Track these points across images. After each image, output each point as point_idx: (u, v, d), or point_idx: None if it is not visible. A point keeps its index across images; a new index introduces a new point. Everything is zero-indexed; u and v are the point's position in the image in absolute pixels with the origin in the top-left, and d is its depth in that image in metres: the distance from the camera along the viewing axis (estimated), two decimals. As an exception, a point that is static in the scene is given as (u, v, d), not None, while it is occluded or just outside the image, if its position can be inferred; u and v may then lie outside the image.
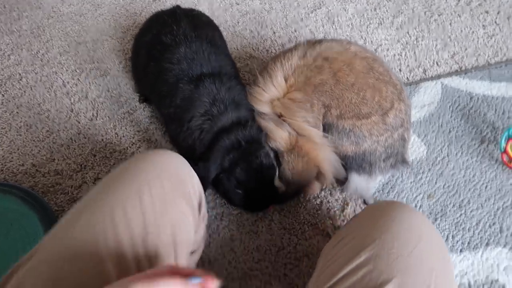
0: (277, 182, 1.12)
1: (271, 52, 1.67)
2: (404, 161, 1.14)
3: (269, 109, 1.10)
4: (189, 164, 0.85)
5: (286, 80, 1.09)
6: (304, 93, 1.07)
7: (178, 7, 1.28)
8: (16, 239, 1.06)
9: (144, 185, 0.74)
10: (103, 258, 0.63)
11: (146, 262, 0.67)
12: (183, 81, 1.07)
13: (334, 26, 1.81)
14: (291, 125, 1.08)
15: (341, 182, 1.11)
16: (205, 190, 1.03)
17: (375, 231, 0.73)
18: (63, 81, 1.51)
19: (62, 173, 1.23)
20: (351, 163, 1.11)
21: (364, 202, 1.18)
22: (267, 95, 1.09)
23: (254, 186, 1.04)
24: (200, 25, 1.21)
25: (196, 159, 1.05)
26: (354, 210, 1.17)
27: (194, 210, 0.81)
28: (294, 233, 1.11)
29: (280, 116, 1.09)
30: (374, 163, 1.10)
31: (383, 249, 0.69)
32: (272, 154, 1.10)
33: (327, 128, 1.09)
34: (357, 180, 1.13)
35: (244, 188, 1.03)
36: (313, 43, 1.13)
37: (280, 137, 1.09)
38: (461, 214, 1.16)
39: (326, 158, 1.08)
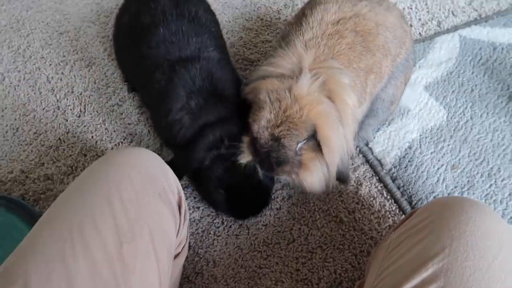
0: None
1: (266, 20, 1.52)
2: None
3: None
4: (161, 159, 0.78)
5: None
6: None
7: None
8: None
9: (113, 189, 0.67)
10: (74, 282, 0.55)
11: (124, 278, 0.60)
12: (158, 70, 0.96)
13: (334, -16, 1.63)
14: (328, 80, 0.83)
15: (341, 180, 0.95)
16: (180, 177, 0.95)
17: (444, 237, 0.60)
18: (47, 77, 1.41)
19: (53, 177, 1.15)
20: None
21: (376, 174, 1.06)
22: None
23: (239, 185, 0.93)
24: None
25: (177, 150, 1.00)
26: (369, 191, 1.05)
27: (172, 208, 0.74)
28: (305, 222, 1.02)
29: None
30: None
31: (456, 260, 0.57)
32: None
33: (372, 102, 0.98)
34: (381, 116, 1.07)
35: (227, 187, 0.93)
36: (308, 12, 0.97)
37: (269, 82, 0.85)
38: (491, 185, 1.03)
39: (341, 144, 0.85)
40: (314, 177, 0.86)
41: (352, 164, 1.09)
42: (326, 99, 0.83)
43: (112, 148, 1.20)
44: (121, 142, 1.21)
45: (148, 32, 1.01)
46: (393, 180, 1.05)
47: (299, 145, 0.83)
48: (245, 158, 0.90)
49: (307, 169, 0.86)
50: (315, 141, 0.84)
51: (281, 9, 1.57)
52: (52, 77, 1.41)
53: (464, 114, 1.16)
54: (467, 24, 1.41)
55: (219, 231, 1.02)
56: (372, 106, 1.00)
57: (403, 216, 1.00)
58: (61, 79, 1.40)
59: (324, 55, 0.87)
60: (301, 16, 0.97)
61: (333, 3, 0.94)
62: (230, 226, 1.02)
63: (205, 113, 0.92)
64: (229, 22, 1.54)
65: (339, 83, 0.84)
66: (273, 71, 0.89)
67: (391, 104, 1.04)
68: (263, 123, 0.82)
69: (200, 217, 1.04)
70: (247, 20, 1.54)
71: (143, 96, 1.16)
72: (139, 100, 1.30)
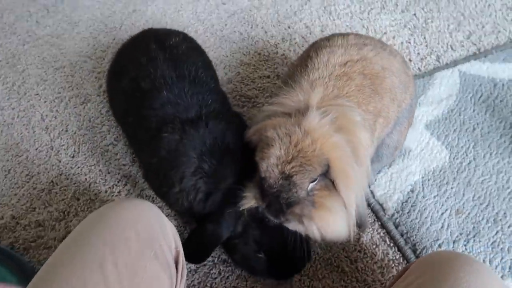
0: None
1: (263, 55, 1.51)
2: None
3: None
4: (158, 210, 0.75)
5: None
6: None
7: (150, 34, 1.14)
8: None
9: (107, 253, 0.64)
10: None
11: None
12: (167, 129, 0.92)
13: (331, 17, 1.63)
14: (339, 116, 0.79)
15: (359, 224, 0.91)
16: (211, 251, 0.90)
17: None
18: (42, 115, 1.39)
19: (44, 223, 1.11)
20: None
21: (378, 219, 1.03)
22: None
23: (280, 247, 0.88)
24: (180, 59, 1.05)
25: (198, 220, 0.93)
26: (372, 237, 1.02)
27: (169, 268, 0.72)
28: (305, 272, 0.98)
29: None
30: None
31: None
32: None
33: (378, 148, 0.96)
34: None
35: (267, 251, 0.88)
36: (313, 54, 0.95)
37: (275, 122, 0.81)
38: (497, 231, 0.99)
39: (357, 180, 0.79)
40: (334, 216, 0.78)
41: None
42: (338, 134, 0.77)
43: (106, 192, 1.17)
44: (115, 185, 1.18)
45: (151, 96, 0.98)
46: (396, 226, 1.02)
47: (311, 185, 0.76)
48: (247, 203, 0.85)
49: (324, 207, 0.77)
50: (328, 180, 0.77)
51: (278, 43, 1.56)
52: (46, 115, 1.38)
53: (466, 155, 1.14)
54: (467, 59, 1.40)
55: (216, 283, 0.98)
56: (377, 151, 0.97)
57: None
58: (55, 117, 1.38)
59: (333, 94, 0.84)
60: (306, 58, 0.95)
61: (338, 47, 0.92)
62: (228, 277, 0.98)
63: (221, 176, 0.88)
64: (227, 56, 1.53)
65: (351, 120, 0.80)
66: (277, 110, 0.85)
67: (395, 149, 1.01)
68: (272, 160, 0.76)
69: (196, 267, 1.00)
70: (244, 54, 1.53)
71: (140, 154, 1.08)
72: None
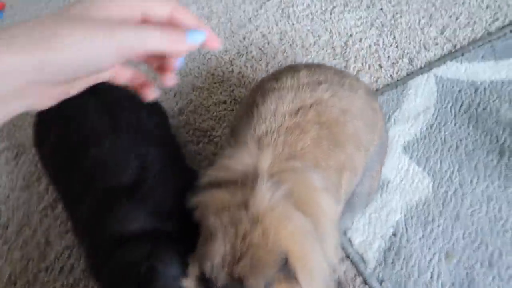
0: None
1: (217, 75, 1.34)
2: None
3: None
4: None
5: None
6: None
7: None
8: None
9: None
10: None
11: None
12: (86, 200, 0.76)
13: (290, 21, 1.45)
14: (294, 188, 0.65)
15: None
16: None
17: None
18: (-32, 176, 1.20)
19: (-25, 320, 0.96)
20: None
21: (359, 274, 0.90)
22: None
23: None
24: (118, 105, 0.87)
25: None
26: (354, 297, 0.89)
27: None
28: None
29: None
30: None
31: None
32: None
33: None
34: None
35: None
36: (259, 97, 0.78)
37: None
38: (493, 277, 0.87)
39: (323, 267, 0.66)
40: None
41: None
42: (296, 211, 0.63)
43: (46, 270, 1.01)
44: (57, 259, 1.02)
45: (79, 155, 0.82)
46: (380, 282, 0.89)
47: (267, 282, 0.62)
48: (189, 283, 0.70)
49: None
50: (288, 269, 0.62)
51: (233, 59, 1.38)
52: (-27, 176, 1.20)
53: (451, 181, 1.01)
54: (442, 59, 1.25)
55: None
56: (348, 203, 0.83)
57: (396, 326, 0.84)
58: (-16, 178, 1.19)
59: (284, 155, 0.69)
60: (252, 105, 0.78)
61: (288, 89, 0.76)
62: None
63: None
64: (176, 81, 1.34)
65: (310, 188, 0.67)
66: (222, 176, 0.70)
67: (368, 195, 0.88)
68: (217, 260, 0.61)
69: None
70: (196, 76, 1.35)
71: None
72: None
